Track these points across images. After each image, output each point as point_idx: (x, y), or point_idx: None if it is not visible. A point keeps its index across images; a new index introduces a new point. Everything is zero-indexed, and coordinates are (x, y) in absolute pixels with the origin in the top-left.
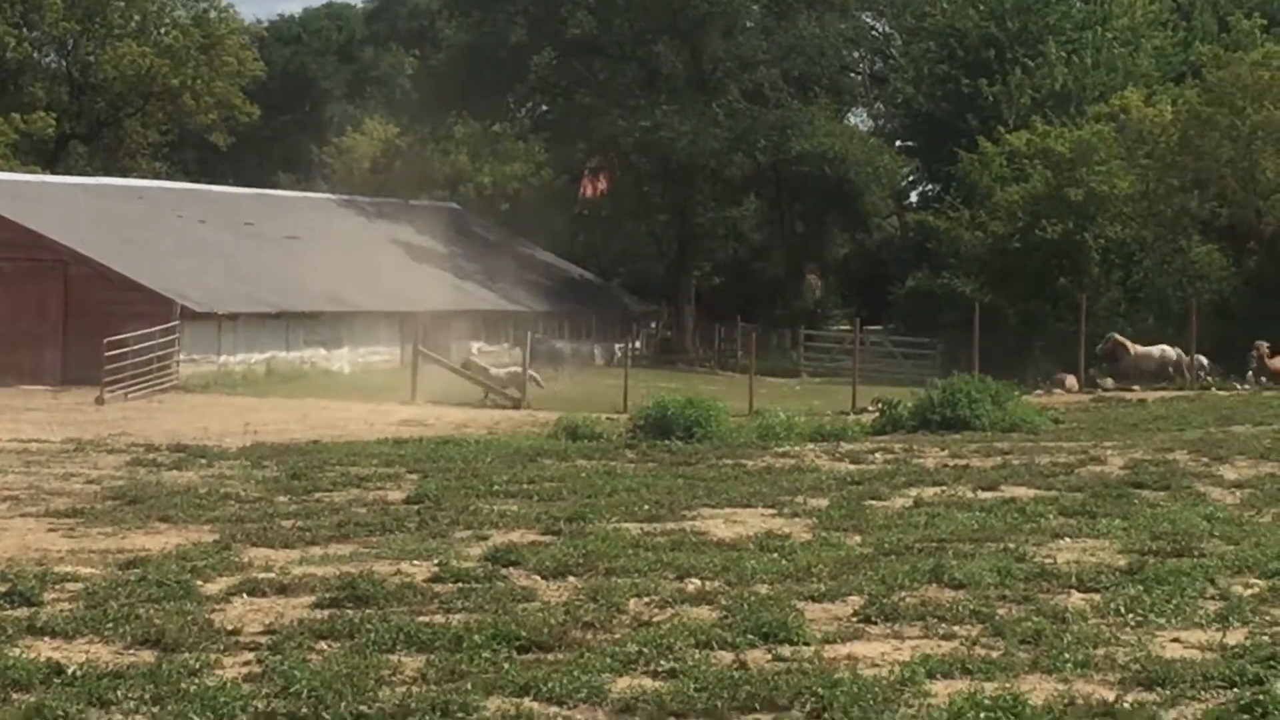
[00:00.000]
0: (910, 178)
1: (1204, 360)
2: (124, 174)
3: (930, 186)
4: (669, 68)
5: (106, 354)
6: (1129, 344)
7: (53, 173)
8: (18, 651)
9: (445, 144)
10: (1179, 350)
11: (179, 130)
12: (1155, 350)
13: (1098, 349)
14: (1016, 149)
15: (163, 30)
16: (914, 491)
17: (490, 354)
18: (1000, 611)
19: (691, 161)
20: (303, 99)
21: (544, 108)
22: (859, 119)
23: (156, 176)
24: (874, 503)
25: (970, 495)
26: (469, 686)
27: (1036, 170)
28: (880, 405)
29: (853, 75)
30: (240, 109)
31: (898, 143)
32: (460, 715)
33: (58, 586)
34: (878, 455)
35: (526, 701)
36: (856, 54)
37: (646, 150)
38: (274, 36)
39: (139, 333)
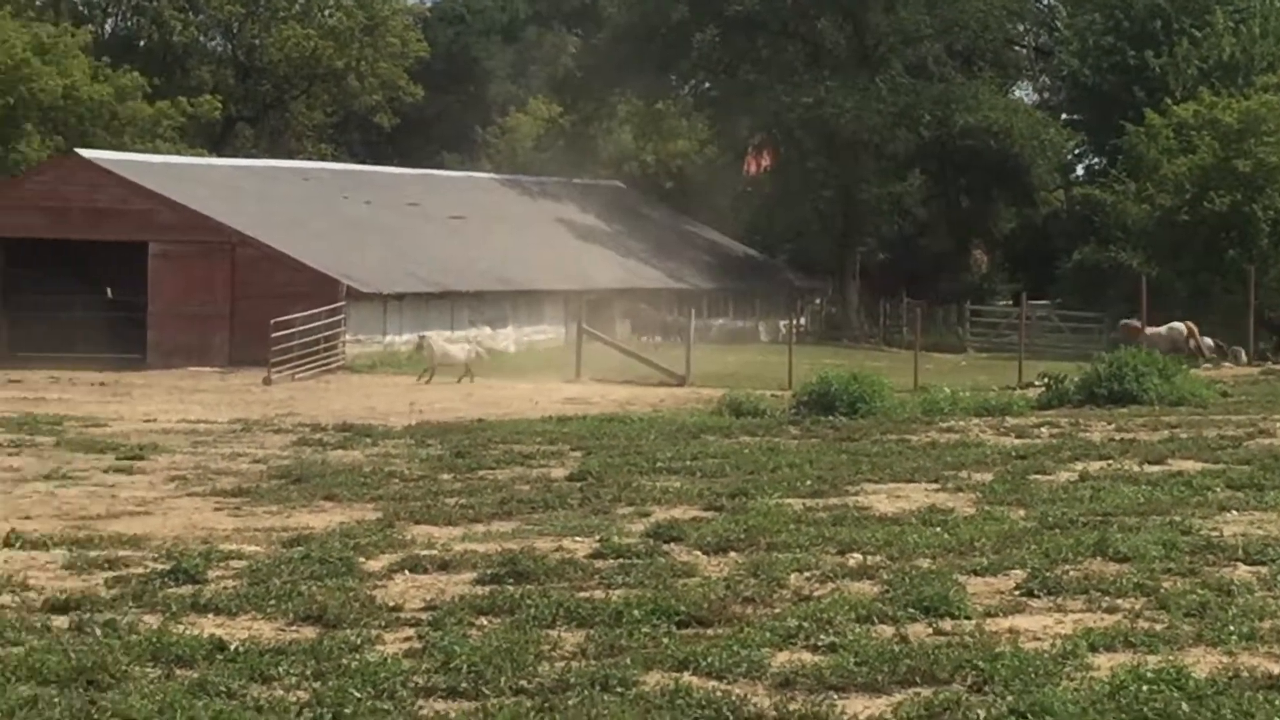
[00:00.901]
0: (1076, 151)
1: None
2: (290, 156)
3: (1096, 160)
4: (832, 43)
5: (273, 335)
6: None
7: (219, 155)
8: (182, 628)
9: (609, 122)
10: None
11: (344, 112)
12: (1164, 329)
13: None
14: (1184, 120)
15: (327, 12)
16: (1079, 465)
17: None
18: (1165, 584)
19: (855, 137)
20: (467, 79)
21: (707, 85)
22: (1024, 92)
23: (322, 158)
24: (1038, 477)
25: (1136, 469)
26: (628, 661)
27: (1204, 142)
28: (1046, 380)
29: (1017, 48)
30: (405, 90)
31: (1063, 116)
32: (619, 689)
33: (222, 564)
34: (1043, 430)
35: (685, 676)
36: (1021, 27)
37: (810, 126)
38: (437, 17)
39: (305, 313)
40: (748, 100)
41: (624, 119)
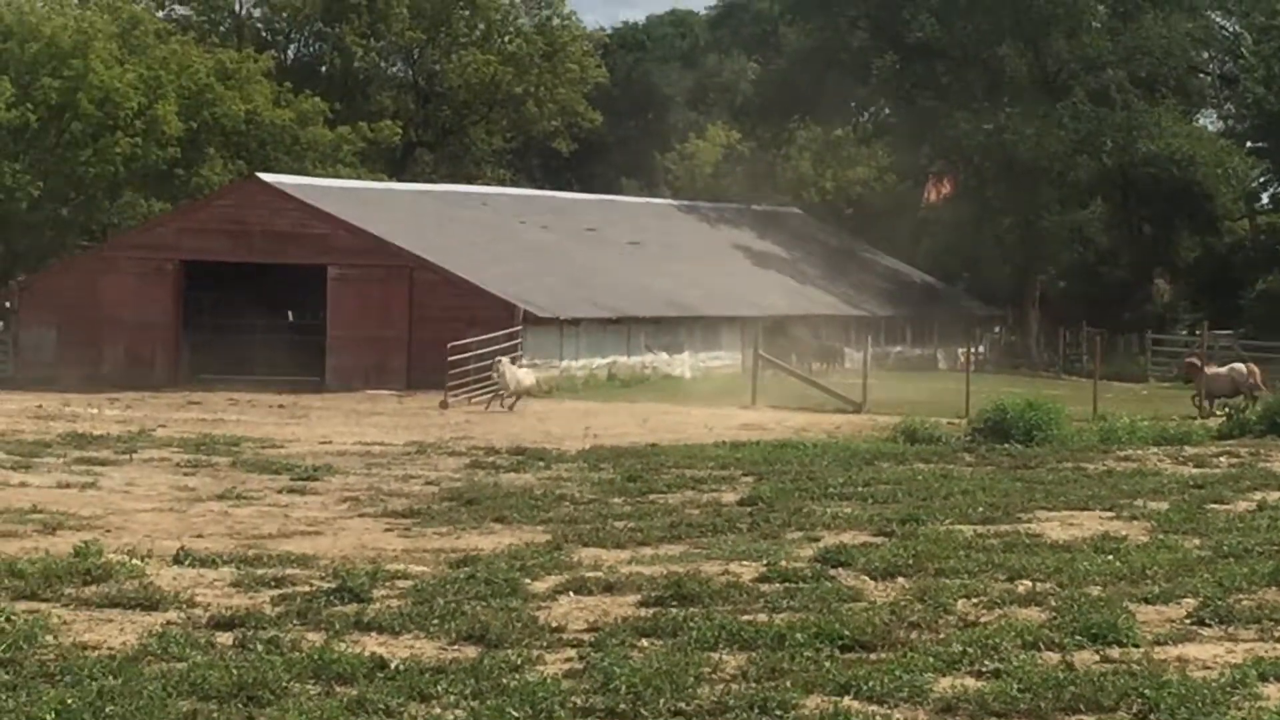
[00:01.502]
0: (1261, 179)
1: None
2: (469, 181)
3: None
4: (1012, 70)
5: (450, 359)
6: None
7: (399, 180)
8: (344, 646)
9: (787, 149)
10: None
11: (523, 137)
12: (1224, 369)
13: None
14: None
15: (506, 38)
16: (1258, 495)
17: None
18: None
19: (1036, 164)
20: (646, 105)
21: (886, 111)
22: (1208, 120)
23: (500, 183)
24: (1215, 506)
25: None
26: (788, 684)
27: None
28: (1228, 409)
29: (1201, 75)
30: (583, 116)
31: (1248, 144)
32: (778, 713)
33: (388, 584)
34: (1222, 459)
35: (846, 700)
36: (1205, 54)
37: (990, 153)
38: (617, 43)
39: (482, 337)
40: (927, 127)
41: (803, 145)
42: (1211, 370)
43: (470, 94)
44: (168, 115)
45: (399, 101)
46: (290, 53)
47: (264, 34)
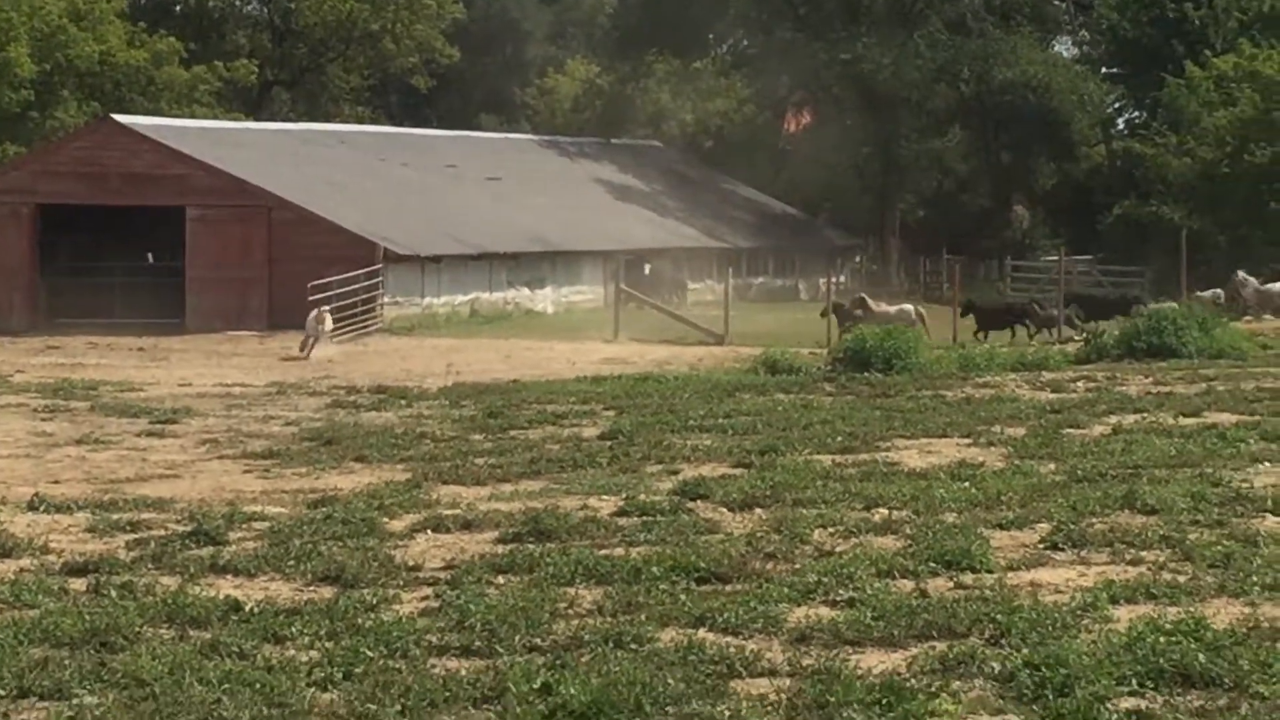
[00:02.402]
0: (1116, 105)
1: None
2: (326, 119)
3: (1137, 113)
4: None
5: (311, 298)
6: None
7: (256, 120)
8: (198, 589)
9: (646, 82)
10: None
11: (380, 74)
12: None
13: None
14: (1224, 73)
15: None
16: (1114, 419)
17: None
18: (1191, 536)
19: (894, 93)
20: (504, 40)
21: (744, 43)
22: (1063, 47)
23: (359, 121)
24: (1072, 431)
25: (1171, 422)
26: (643, 618)
27: (1245, 94)
28: (1085, 334)
29: (1056, 3)
30: (441, 52)
31: (1103, 70)
32: (633, 647)
33: (244, 526)
34: (1080, 384)
35: (701, 632)
36: None
37: (848, 83)
38: None
39: (343, 276)
40: (785, 58)
41: (662, 79)
42: (881, 309)
43: (326, 31)
44: (20, 57)
45: (255, 40)
46: None
47: None
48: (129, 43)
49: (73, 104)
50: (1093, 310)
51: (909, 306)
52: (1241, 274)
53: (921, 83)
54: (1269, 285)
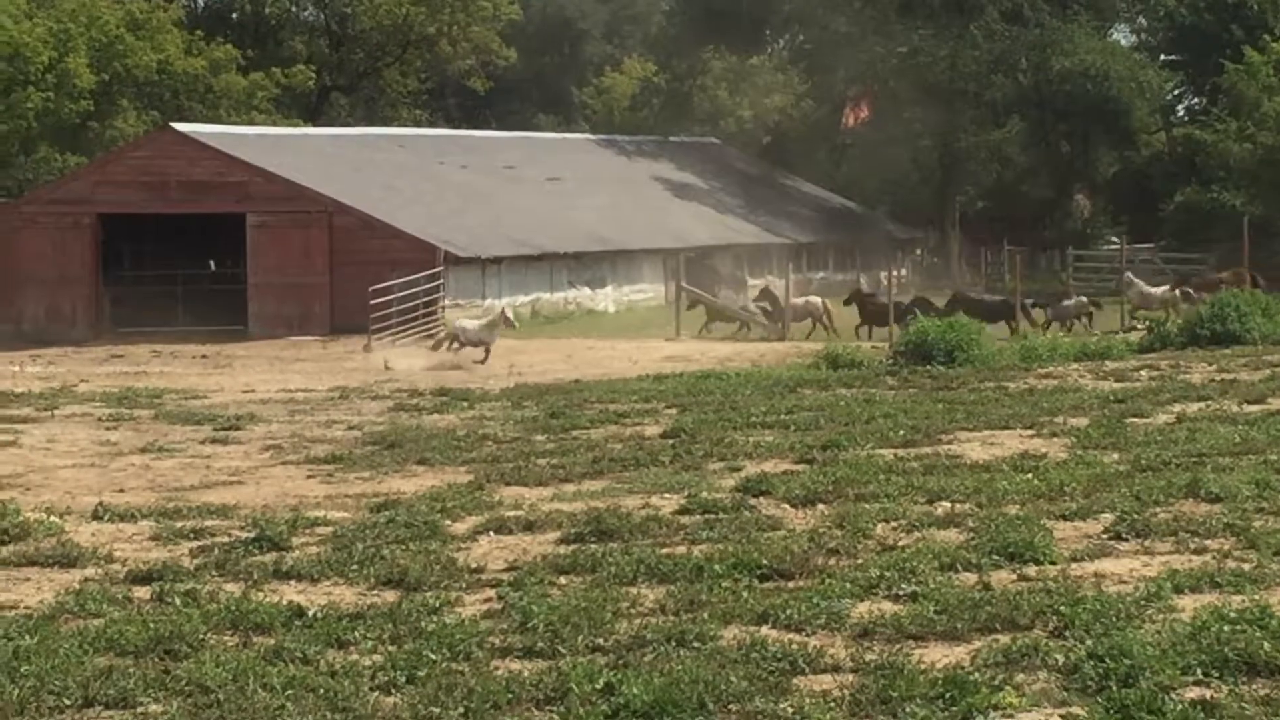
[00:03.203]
0: (1175, 91)
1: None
2: (385, 123)
3: (1196, 100)
4: None
5: (372, 302)
6: None
7: (315, 125)
8: (262, 595)
9: (703, 79)
10: None
11: (438, 78)
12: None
13: None
14: None
15: None
16: (1177, 408)
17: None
18: (1255, 524)
19: (951, 85)
20: (561, 40)
21: (801, 38)
22: (1121, 34)
23: (417, 124)
24: (1135, 420)
25: (1235, 409)
26: (706, 616)
27: None
28: (1148, 323)
29: None
30: (498, 53)
31: (1161, 56)
32: (696, 645)
33: (308, 531)
34: (1143, 373)
35: (764, 629)
36: None
37: (905, 76)
38: None
39: (403, 279)
40: (842, 52)
41: (719, 75)
42: (791, 302)
43: (383, 36)
44: (79, 68)
45: (312, 46)
46: (201, 1)
47: None
48: (187, 51)
49: (132, 113)
50: (975, 312)
51: (816, 299)
52: (1128, 275)
53: (979, 74)
54: (1153, 289)
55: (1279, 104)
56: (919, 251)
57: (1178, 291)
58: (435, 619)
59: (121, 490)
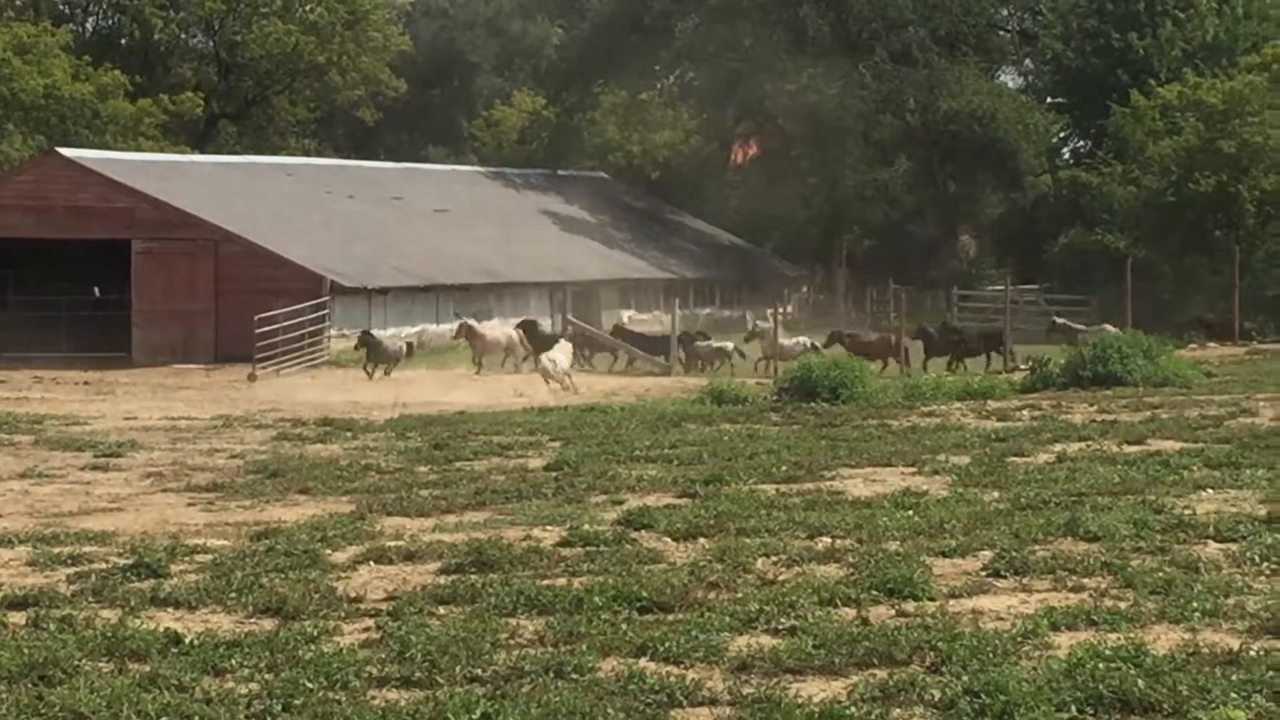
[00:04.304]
0: (1061, 134)
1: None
2: (274, 152)
3: (1082, 143)
4: (815, 30)
5: (258, 331)
6: None
7: (202, 152)
8: (139, 622)
9: (593, 113)
10: None
11: (327, 107)
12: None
13: None
14: (1168, 102)
15: (308, 7)
16: (1058, 447)
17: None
18: (1133, 563)
19: (840, 124)
20: (451, 73)
21: (691, 74)
22: (1009, 77)
23: (306, 154)
24: (1016, 459)
25: (1115, 450)
26: (585, 648)
27: (1189, 123)
28: (1030, 364)
29: (1001, 33)
30: (387, 84)
31: (1048, 99)
32: (574, 676)
33: (186, 558)
34: (1025, 413)
35: (642, 661)
36: (1005, 11)
37: (794, 114)
38: (421, 11)
39: (289, 309)
40: (731, 89)
41: (608, 110)
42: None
43: (272, 64)
44: None
45: (200, 73)
46: (89, 25)
47: (61, 7)
48: (74, 76)
49: (18, 137)
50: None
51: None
52: (759, 323)
53: (867, 113)
54: (787, 340)
55: (1163, 148)
56: (805, 289)
57: (810, 343)
58: (313, 648)
59: None
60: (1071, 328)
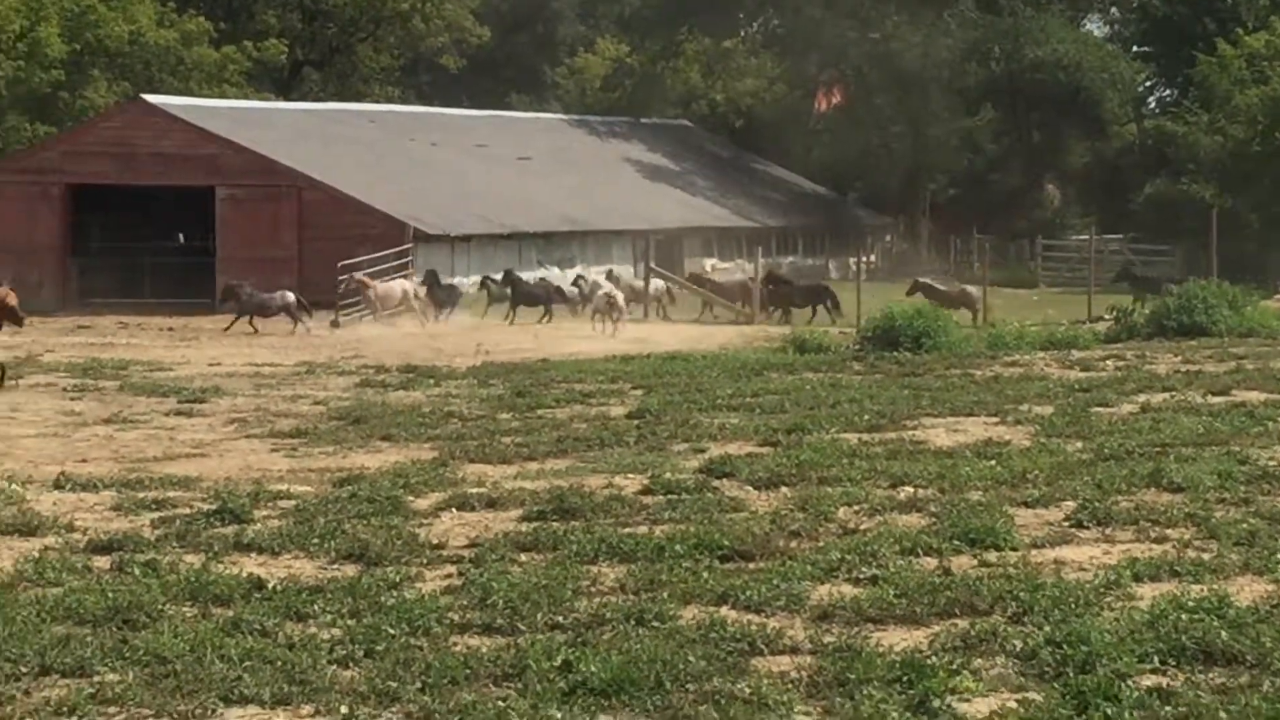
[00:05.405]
0: (1147, 83)
1: None
2: (357, 99)
3: (1168, 92)
4: None
5: (340, 278)
6: None
7: (287, 100)
8: (222, 567)
9: (676, 61)
10: None
11: (411, 54)
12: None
13: None
14: (1255, 51)
15: None
16: (1142, 397)
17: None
18: (1217, 514)
19: (924, 73)
20: (535, 20)
21: (775, 22)
22: (1094, 25)
23: (389, 101)
24: (1100, 409)
25: (1199, 400)
26: (666, 596)
27: (1276, 72)
28: (1115, 313)
29: None
30: (471, 31)
31: (1134, 48)
32: (655, 624)
33: (270, 504)
34: (1109, 363)
35: (723, 610)
36: None
37: (878, 63)
38: None
39: (372, 255)
40: (815, 37)
41: (692, 58)
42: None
43: (356, 11)
44: (50, 37)
45: (284, 20)
46: None
47: None
48: (159, 22)
49: (103, 84)
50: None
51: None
52: (597, 280)
53: (951, 61)
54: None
55: (1250, 97)
56: (888, 238)
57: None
58: (395, 594)
59: (84, 460)
60: (934, 287)
